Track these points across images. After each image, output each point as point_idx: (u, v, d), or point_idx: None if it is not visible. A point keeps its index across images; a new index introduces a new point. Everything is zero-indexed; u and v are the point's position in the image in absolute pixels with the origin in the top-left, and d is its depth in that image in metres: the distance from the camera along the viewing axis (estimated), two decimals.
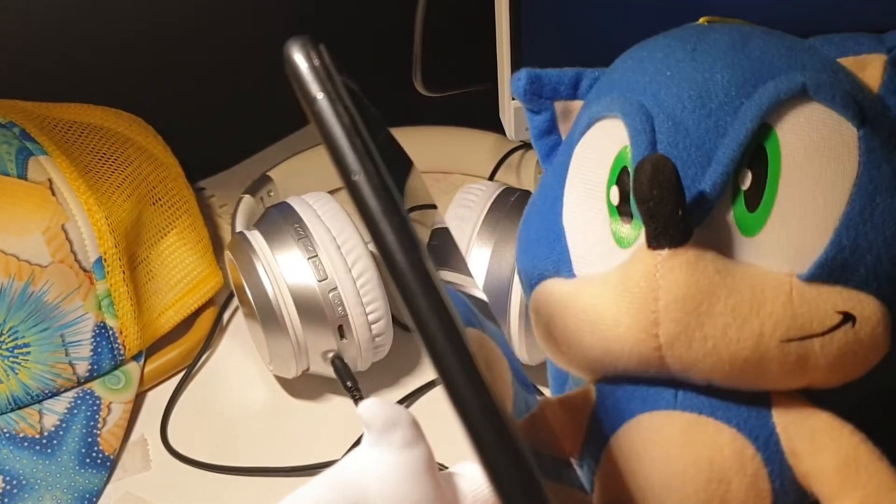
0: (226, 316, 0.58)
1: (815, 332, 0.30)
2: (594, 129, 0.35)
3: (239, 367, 0.54)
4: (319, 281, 0.47)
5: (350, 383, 0.48)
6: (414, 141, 0.67)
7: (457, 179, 0.65)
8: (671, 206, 0.29)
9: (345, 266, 0.47)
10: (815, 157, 0.32)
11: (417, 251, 0.25)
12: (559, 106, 0.39)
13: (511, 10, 0.47)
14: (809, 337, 0.30)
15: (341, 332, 0.48)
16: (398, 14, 0.56)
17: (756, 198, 0.32)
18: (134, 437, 0.51)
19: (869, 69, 0.35)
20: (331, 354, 0.48)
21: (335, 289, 0.47)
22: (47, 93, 0.58)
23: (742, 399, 0.32)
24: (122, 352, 0.51)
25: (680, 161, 0.32)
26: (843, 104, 0.32)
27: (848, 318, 0.31)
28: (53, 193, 0.50)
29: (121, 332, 0.51)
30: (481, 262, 0.47)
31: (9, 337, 0.48)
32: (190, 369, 0.54)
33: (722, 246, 0.31)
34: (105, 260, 0.50)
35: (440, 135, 0.66)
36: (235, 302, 0.57)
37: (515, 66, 0.49)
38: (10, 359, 0.48)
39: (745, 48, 0.34)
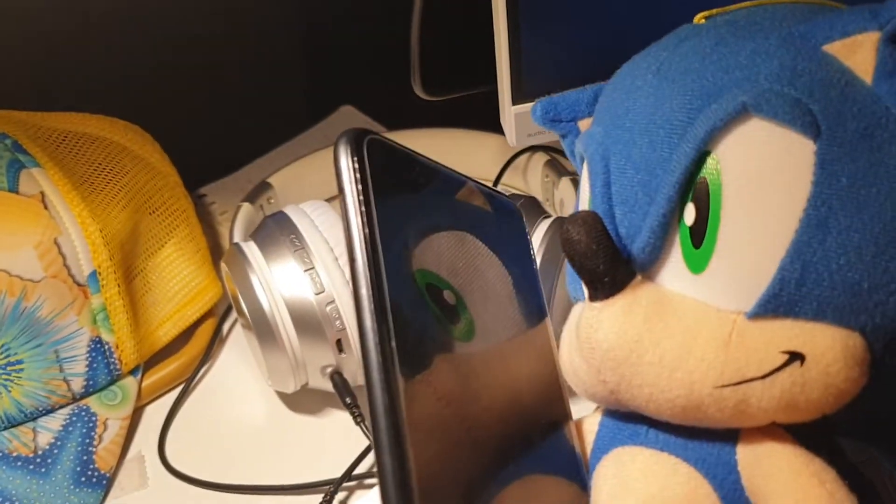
0: (225, 327, 0.57)
1: (753, 375, 0.28)
2: (584, 166, 0.35)
3: (238, 380, 0.53)
4: (316, 294, 0.46)
5: (349, 399, 0.47)
6: (417, 144, 0.66)
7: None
8: (593, 263, 0.30)
9: (342, 278, 0.46)
10: (759, 182, 0.29)
11: (391, 379, 0.26)
12: (583, 125, 0.38)
13: (508, 11, 0.46)
14: (747, 381, 0.28)
15: (340, 346, 0.46)
16: (397, 17, 0.55)
17: (700, 233, 0.30)
18: (130, 454, 0.50)
19: (859, 53, 0.30)
20: (329, 369, 0.47)
21: (333, 302, 0.46)
22: (42, 102, 0.57)
23: (707, 435, 0.30)
24: (118, 366, 0.50)
25: (627, 205, 0.31)
26: (790, 117, 0.28)
27: (795, 356, 0.28)
28: (46, 207, 0.48)
29: (117, 347, 0.50)
30: None
31: (1, 354, 0.47)
32: (188, 383, 0.53)
33: (672, 285, 0.30)
34: (100, 273, 0.49)
35: (444, 137, 0.65)
36: (235, 313, 0.56)
37: (514, 70, 0.48)
38: (3, 376, 0.47)
39: (709, 59, 0.31)
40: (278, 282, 0.46)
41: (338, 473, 0.46)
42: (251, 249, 0.48)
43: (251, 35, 0.72)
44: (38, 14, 0.62)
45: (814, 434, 0.30)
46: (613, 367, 0.30)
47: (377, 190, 0.29)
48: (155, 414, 0.52)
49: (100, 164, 0.53)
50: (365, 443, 0.47)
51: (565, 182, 0.56)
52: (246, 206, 0.57)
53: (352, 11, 0.70)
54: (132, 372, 0.51)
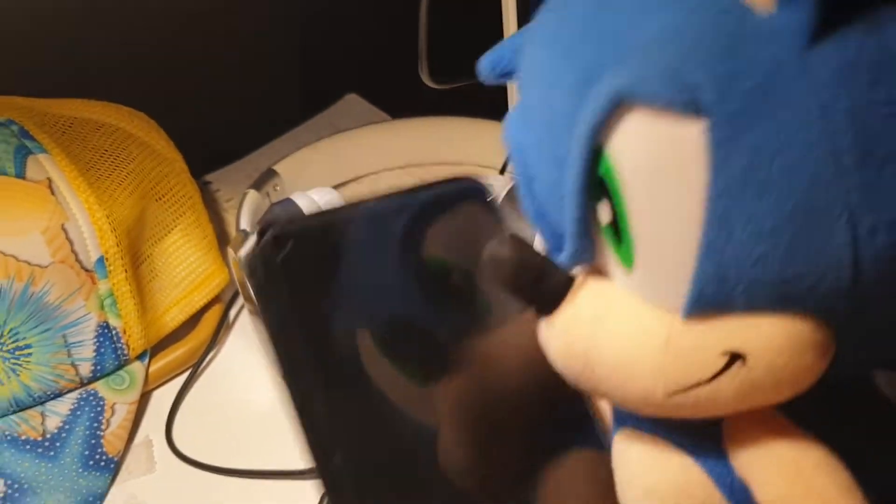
0: (232, 313, 0.57)
1: (697, 381, 0.26)
2: None
3: (246, 365, 0.54)
4: None
5: None
6: (422, 132, 0.66)
7: (467, 171, 0.64)
8: (517, 290, 0.27)
9: None
10: (654, 177, 0.25)
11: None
12: None
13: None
14: (694, 387, 0.26)
15: None
16: (403, 4, 0.55)
17: (618, 231, 0.26)
18: (138, 438, 0.50)
19: None
20: None
21: None
22: (47, 89, 0.58)
23: (694, 422, 0.29)
24: (125, 351, 0.50)
25: (551, 205, 0.28)
26: (669, 97, 0.23)
27: (735, 357, 0.25)
28: (53, 192, 0.49)
29: (124, 332, 0.50)
30: None
31: (9, 338, 0.47)
32: (195, 368, 0.53)
33: (616, 280, 0.28)
34: (107, 259, 0.50)
35: (449, 125, 0.65)
36: (241, 299, 0.57)
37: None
38: (12, 360, 0.48)
39: (591, 27, 0.26)
40: None
41: None
42: None
43: (256, 21, 0.72)
44: (41, 3, 0.62)
45: (815, 400, 0.28)
46: (575, 379, 0.28)
47: (289, 288, 0.29)
48: (162, 399, 0.52)
49: (106, 150, 0.54)
50: None
51: None
52: (252, 193, 0.57)
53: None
54: (139, 357, 0.51)
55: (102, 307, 0.49)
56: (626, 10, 0.25)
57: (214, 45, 0.68)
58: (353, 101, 0.73)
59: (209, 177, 0.67)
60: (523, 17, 0.47)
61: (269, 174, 0.60)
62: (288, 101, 0.74)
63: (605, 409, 0.33)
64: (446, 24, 0.52)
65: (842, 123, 0.23)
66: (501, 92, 0.52)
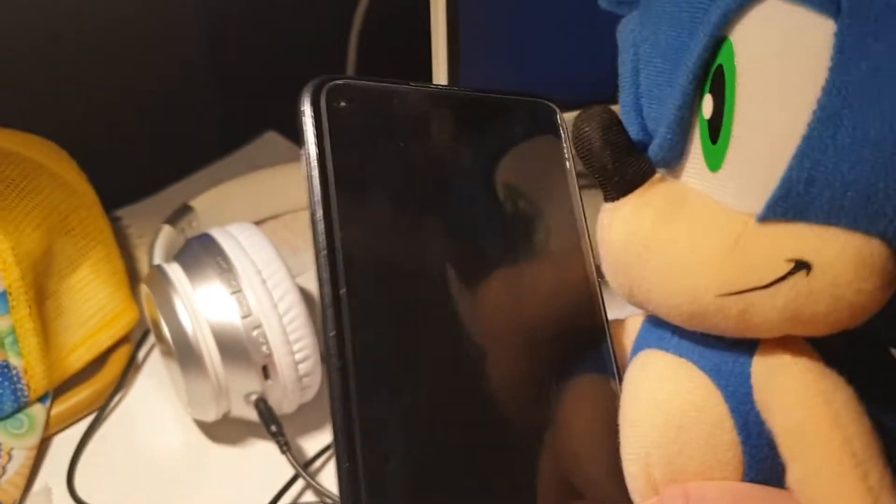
0: (141, 354, 0.54)
1: (755, 285, 0.26)
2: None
3: (154, 409, 0.51)
4: (243, 317, 0.44)
5: (274, 427, 0.45)
6: None
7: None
8: (601, 162, 0.29)
9: (270, 302, 0.45)
10: (773, 70, 0.26)
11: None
12: None
13: (448, 18, 0.45)
14: (750, 290, 0.26)
15: (266, 372, 0.45)
16: (327, 40, 0.54)
17: (718, 127, 0.28)
18: (37, 486, 0.47)
19: None
20: (254, 397, 0.45)
21: (259, 326, 0.44)
22: None
23: (725, 345, 0.29)
24: (25, 393, 0.47)
25: (652, 96, 0.30)
26: None
27: (801, 265, 0.26)
28: None
29: (25, 372, 0.47)
30: None
31: None
32: (101, 412, 0.50)
33: (694, 183, 0.29)
34: (10, 293, 0.47)
35: None
36: (152, 339, 0.54)
37: (452, 71, 0.47)
38: None
39: None
40: (203, 304, 0.45)
41: None
42: (175, 271, 0.46)
43: (174, 50, 0.70)
44: None
45: (849, 349, 0.28)
46: (624, 270, 0.29)
47: (340, 142, 0.29)
48: (64, 444, 0.49)
49: (13, 180, 0.51)
50: (290, 473, 0.45)
51: None
52: (167, 228, 0.55)
53: (283, 9, 0.69)
54: (41, 399, 0.48)
55: (3, 345, 0.46)
56: None
57: (131, 74, 0.66)
58: (272, 139, 0.71)
59: (120, 212, 0.64)
60: (453, 50, 0.46)
61: (185, 210, 0.57)
62: (206, 138, 0.72)
63: (625, 344, 0.34)
64: (374, 59, 0.52)
65: None
66: None
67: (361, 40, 0.50)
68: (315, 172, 0.29)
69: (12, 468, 0.46)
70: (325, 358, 0.28)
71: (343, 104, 0.30)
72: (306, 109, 0.29)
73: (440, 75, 0.48)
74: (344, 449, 0.26)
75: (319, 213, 0.28)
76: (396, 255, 0.30)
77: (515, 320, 0.31)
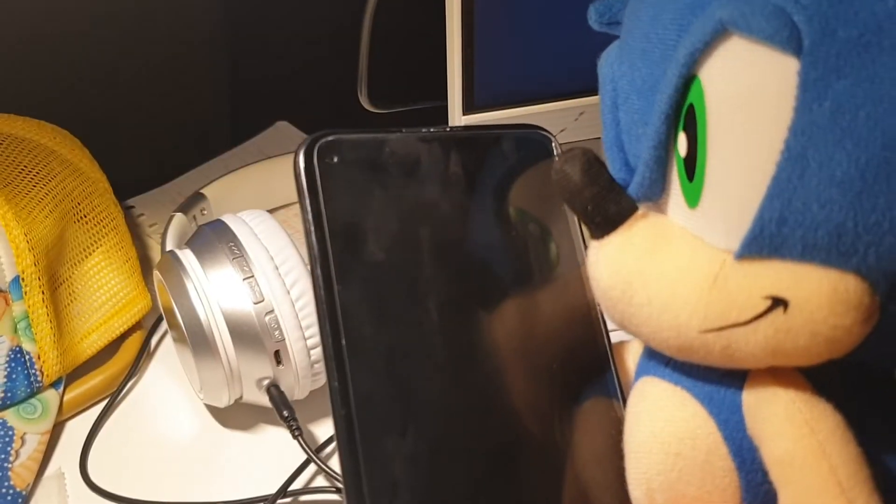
0: (154, 340, 0.54)
1: (735, 321, 0.27)
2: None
3: (167, 395, 0.51)
4: (255, 303, 0.44)
5: (286, 413, 0.45)
6: None
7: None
8: (582, 202, 0.29)
9: (283, 287, 0.45)
10: (742, 109, 0.26)
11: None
12: None
13: (463, 25, 0.46)
14: (730, 327, 0.27)
15: (278, 357, 0.45)
16: (338, 32, 0.54)
17: (693, 165, 0.28)
18: (50, 470, 0.47)
19: None
20: (266, 382, 0.45)
21: (272, 312, 0.44)
22: None
23: (717, 374, 0.30)
24: (39, 378, 0.48)
25: (631, 133, 0.30)
26: (769, 32, 0.24)
27: (778, 302, 0.26)
28: None
29: (38, 357, 0.48)
30: None
31: None
32: (114, 397, 0.50)
33: (676, 218, 0.30)
34: (23, 279, 0.47)
35: None
36: (164, 326, 0.54)
37: (467, 84, 0.47)
38: None
39: None
40: (215, 290, 0.45)
41: (271, 490, 0.44)
42: (187, 257, 0.46)
43: (186, 41, 0.70)
44: None
45: (842, 374, 0.29)
46: (613, 305, 0.30)
47: (334, 197, 0.30)
48: (77, 429, 0.49)
49: (26, 166, 0.51)
50: (301, 458, 0.45)
51: None
52: (179, 216, 0.55)
53: (296, 21, 0.69)
54: (54, 384, 0.49)
55: (16, 330, 0.47)
56: None
57: (144, 64, 0.66)
58: (283, 129, 0.72)
59: (132, 201, 0.64)
60: (467, 46, 0.46)
61: (197, 197, 0.58)
62: (218, 128, 0.72)
63: (629, 367, 0.34)
64: (389, 48, 0.52)
65: None
66: (439, 121, 0.51)
67: (375, 28, 0.50)
68: (311, 228, 0.30)
69: (25, 452, 0.46)
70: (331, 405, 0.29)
71: (335, 159, 0.31)
72: (300, 169, 0.31)
73: (454, 63, 0.48)
74: (352, 490, 0.28)
75: (318, 270, 0.30)
76: (396, 300, 0.31)
77: (519, 352, 0.32)
